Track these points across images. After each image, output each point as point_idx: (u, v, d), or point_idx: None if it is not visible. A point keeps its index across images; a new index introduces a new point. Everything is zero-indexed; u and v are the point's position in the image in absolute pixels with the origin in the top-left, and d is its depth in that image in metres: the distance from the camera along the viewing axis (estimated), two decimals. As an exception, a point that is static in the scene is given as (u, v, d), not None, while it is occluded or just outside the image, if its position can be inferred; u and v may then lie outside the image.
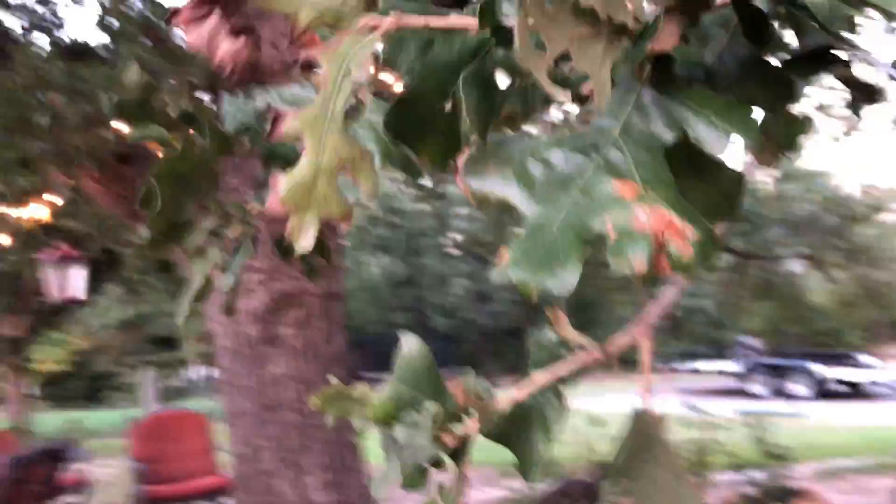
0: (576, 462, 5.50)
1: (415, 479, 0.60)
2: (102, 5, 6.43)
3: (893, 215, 22.02)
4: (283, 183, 0.47)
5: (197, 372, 21.11)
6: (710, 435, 4.86)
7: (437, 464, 0.60)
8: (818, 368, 16.26)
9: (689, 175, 0.45)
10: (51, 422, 15.05)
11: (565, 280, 0.42)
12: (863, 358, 17.42)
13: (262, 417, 4.02)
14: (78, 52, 6.11)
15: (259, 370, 4.00)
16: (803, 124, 0.52)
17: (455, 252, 27.49)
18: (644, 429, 0.51)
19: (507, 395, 0.55)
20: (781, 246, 16.52)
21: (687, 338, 26.81)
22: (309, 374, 4.02)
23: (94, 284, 6.28)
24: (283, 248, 1.10)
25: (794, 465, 4.43)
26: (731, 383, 17.94)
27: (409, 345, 0.57)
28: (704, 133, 0.44)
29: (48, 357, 19.53)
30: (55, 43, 6.37)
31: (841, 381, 16.36)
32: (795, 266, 18.08)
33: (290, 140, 0.64)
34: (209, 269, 0.97)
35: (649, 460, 0.50)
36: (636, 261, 0.41)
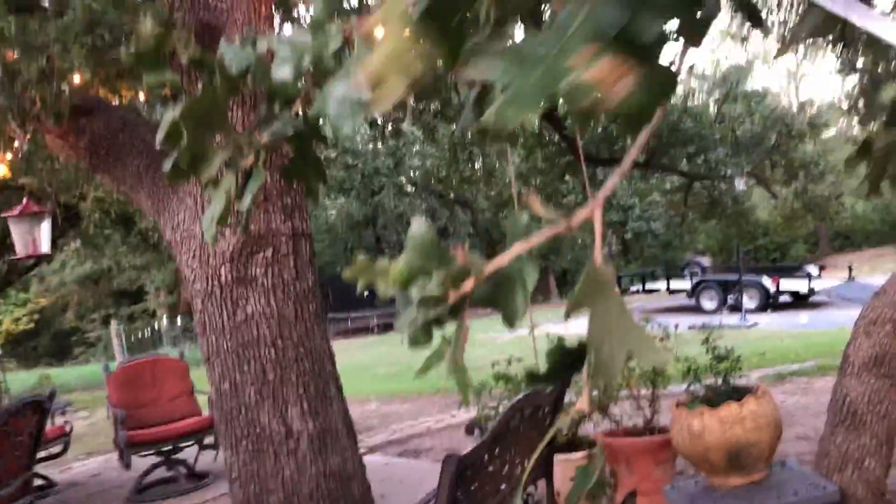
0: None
1: (421, 336, 0.80)
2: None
3: (830, 130, 22.65)
4: (372, 58, 0.63)
5: (165, 322, 21.12)
6: (663, 344, 5.15)
7: (439, 321, 0.80)
8: (765, 280, 16.89)
9: (642, 66, 0.64)
10: (24, 380, 15.02)
11: (535, 107, 0.61)
12: (806, 268, 18.14)
13: (239, 355, 4.08)
14: (23, 7, 6.01)
15: (233, 310, 4.07)
16: (708, 22, 0.71)
17: (412, 190, 27.54)
18: (596, 275, 0.71)
19: (493, 263, 0.74)
20: (725, 165, 16.97)
21: (638, 260, 27.51)
22: (282, 310, 4.14)
23: (53, 241, 6.26)
24: (288, 174, 1.26)
25: (743, 372, 4.76)
26: (683, 300, 18.54)
27: (418, 225, 0.76)
28: (642, 22, 0.63)
29: (7, 318, 19.30)
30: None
31: (785, 292, 17.05)
32: (739, 184, 18.59)
33: (372, 30, 0.80)
34: (227, 195, 1.13)
35: (600, 298, 0.71)
36: (584, 100, 0.61)
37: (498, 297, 0.77)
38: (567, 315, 0.72)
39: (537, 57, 0.63)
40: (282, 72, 1.01)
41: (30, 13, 6.04)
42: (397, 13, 0.63)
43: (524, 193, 0.78)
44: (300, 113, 1.10)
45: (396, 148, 26.06)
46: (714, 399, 4.10)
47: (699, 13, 0.77)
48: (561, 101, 0.62)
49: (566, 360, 0.77)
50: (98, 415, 12.17)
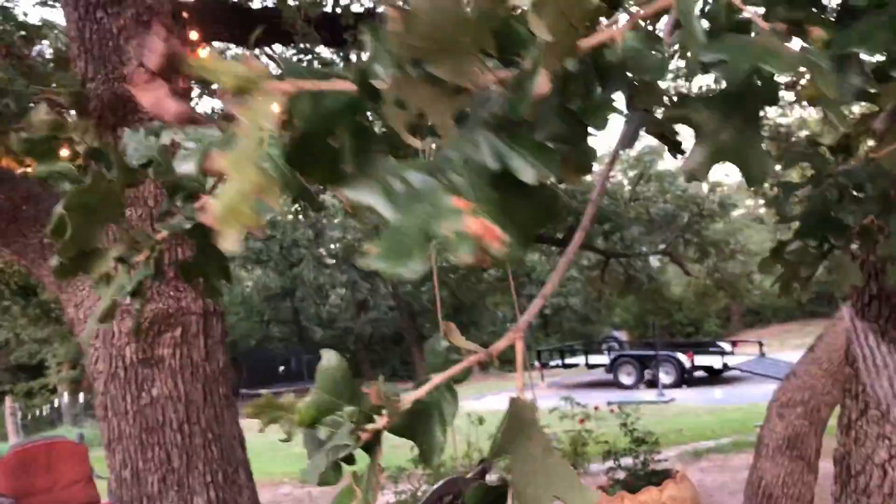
0: (460, 460, 5.71)
1: (331, 475, 0.73)
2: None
3: (739, 210, 23.72)
4: (214, 205, 0.59)
5: (66, 399, 20.01)
6: (584, 425, 5.15)
7: (349, 460, 0.73)
8: (680, 356, 17.26)
9: (517, 194, 0.61)
10: None
11: (415, 269, 0.57)
12: (720, 344, 18.66)
13: (142, 440, 3.93)
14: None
15: (137, 392, 3.91)
16: (590, 155, 0.70)
17: (331, 262, 27.32)
18: (519, 413, 0.66)
19: (410, 395, 0.68)
20: (640, 243, 17.48)
21: (557, 334, 27.83)
22: (190, 393, 3.98)
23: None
24: (186, 271, 1.18)
25: (661, 449, 4.78)
26: (601, 375, 18.75)
27: (329, 358, 0.69)
28: (518, 165, 0.61)
29: None
30: None
31: (701, 367, 17.45)
32: (654, 261, 19.15)
33: (216, 173, 0.76)
34: (116, 294, 1.04)
35: (523, 438, 0.66)
36: (464, 255, 0.57)
37: (415, 429, 0.71)
38: (488, 463, 0.67)
39: (418, 193, 0.60)
40: (185, 166, 0.94)
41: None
42: (246, 159, 0.60)
43: (444, 324, 0.73)
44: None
45: (317, 219, 25.94)
46: (634, 484, 4.08)
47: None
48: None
49: (489, 500, 0.70)
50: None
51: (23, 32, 6.00)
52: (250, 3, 7.57)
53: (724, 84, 0.65)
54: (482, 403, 16.93)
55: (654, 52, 0.64)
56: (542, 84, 0.57)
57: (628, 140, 0.82)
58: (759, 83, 0.64)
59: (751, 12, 0.65)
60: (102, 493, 6.61)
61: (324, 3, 7.19)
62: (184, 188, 1.07)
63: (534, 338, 28.23)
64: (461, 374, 0.69)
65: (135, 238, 1.04)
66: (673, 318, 27.73)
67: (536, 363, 19.74)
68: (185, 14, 5.56)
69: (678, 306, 27.51)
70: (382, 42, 0.59)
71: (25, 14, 6.27)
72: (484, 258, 0.56)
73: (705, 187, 19.33)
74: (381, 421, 0.67)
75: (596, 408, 5.35)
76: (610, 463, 4.48)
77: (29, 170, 5.04)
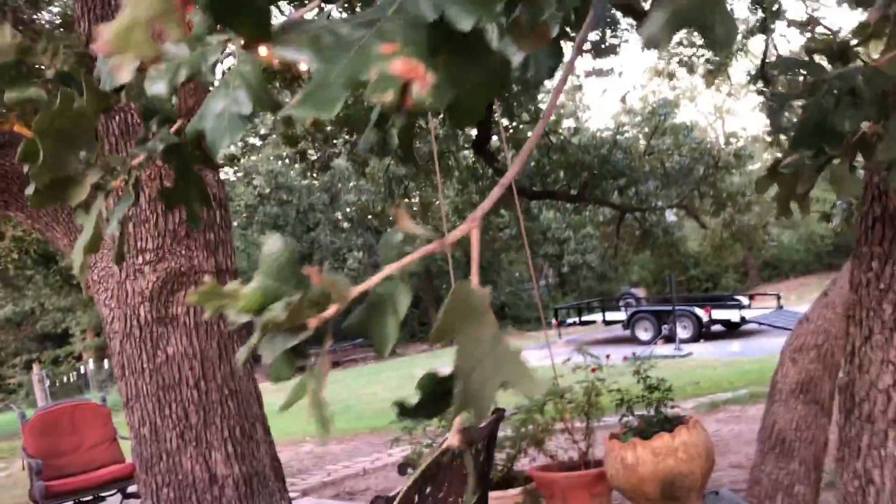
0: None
1: (283, 368, 0.71)
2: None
3: (755, 163, 23.44)
4: (107, 29, 0.56)
5: (91, 366, 20.32)
6: (596, 374, 5.15)
7: (299, 351, 0.71)
8: (697, 311, 17.18)
9: (461, 55, 0.59)
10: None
11: (332, 111, 0.56)
12: (737, 298, 18.56)
13: (160, 398, 3.97)
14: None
15: (153, 351, 3.95)
16: (543, 8, 0.66)
17: (347, 225, 27.37)
18: (466, 297, 0.63)
19: (360, 285, 0.67)
20: (656, 197, 17.29)
21: (574, 293, 27.81)
22: (205, 350, 4.01)
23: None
24: (167, 198, 1.16)
25: (676, 399, 4.78)
26: (619, 332, 18.74)
27: (273, 242, 0.68)
28: (454, 12, 0.58)
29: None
30: None
31: (718, 321, 17.38)
32: (670, 216, 18.97)
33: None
34: (96, 220, 1.03)
35: (471, 323, 0.63)
36: (385, 95, 0.55)
37: (368, 322, 0.69)
38: (432, 342, 0.65)
39: (347, 43, 0.57)
40: (156, 87, 0.92)
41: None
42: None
43: (395, 207, 0.71)
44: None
45: (331, 184, 25.90)
46: (646, 431, 4.08)
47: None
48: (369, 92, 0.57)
49: (439, 390, 0.69)
50: (16, 466, 11.57)
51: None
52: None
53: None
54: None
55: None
56: None
57: (594, 23, 0.78)
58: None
59: None
60: (126, 455, 6.73)
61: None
62: (157, 111, 1.05)
63: (550, 296, 28.23)
64: (415, 265, 0.67)
65: (110, 164, 1.03)
66: (690, 274, 27.60)
67: (553, 321, 19.75)
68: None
69: (695, 261, 27.36)
70: None
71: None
72: (408, 100, 0.54)
73: (721, 139, 19.05)
74: (329, 310, 0.65)
75: (608, 356, 5.34)
76: (623, 412, 4.49)
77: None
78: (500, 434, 3.75)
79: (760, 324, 16.60)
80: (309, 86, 0.56)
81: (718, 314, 17.26)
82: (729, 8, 0.62)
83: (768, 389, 4.21)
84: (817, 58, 1.20)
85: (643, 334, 17.86)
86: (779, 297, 18.21)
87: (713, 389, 10.63)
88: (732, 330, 17.52)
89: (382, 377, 16.94)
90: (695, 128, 20.72)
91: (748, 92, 18.09)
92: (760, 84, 11.36)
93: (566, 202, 16.57)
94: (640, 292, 22.30)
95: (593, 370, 4.93)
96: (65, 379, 20.28)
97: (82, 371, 20.23)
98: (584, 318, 20.08)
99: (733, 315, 17.25)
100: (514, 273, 27.80)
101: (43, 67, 1.15)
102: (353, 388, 15.75)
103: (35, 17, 6.00)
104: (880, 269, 1.53)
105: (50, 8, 7.03)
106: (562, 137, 13.94)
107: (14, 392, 20.43)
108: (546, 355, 9.65)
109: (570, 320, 20.40)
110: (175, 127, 1.04)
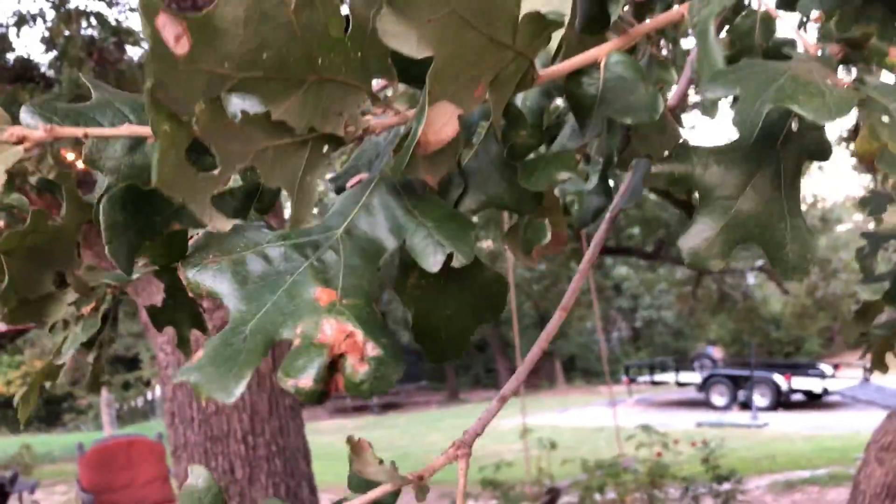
0: (528, 485, 5.50)
1: None
2: (49, 28, 6.34)
3: (844, 225, 22.45)
4: None
5: (158, 392, 20.74)
6: (664, 453, 4.87)
7: None
8: (777, 378, 16.44)
9: (448, 277, 0.44)
10: (5, 446, 14.68)
11: (232, 393, 0.42)
12: (820, 367, 17.67)
13: (206, 448, 3.95)
14: (21, 76, 6.02)
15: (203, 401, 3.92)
16: (541, 232, 0.52)
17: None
18: None
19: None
20: (734, 259, 16.70)
21: (648, 348, 27.06)
22: (256, 403, 3.96)
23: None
24: (154, 317, 1.06)
25: (750, 478, 4.46)
26: (692, 394, 18.06)
27: (197, 476, 0.55)
28: (420, 244, 0.44)
29: (2, 380, 19.05)
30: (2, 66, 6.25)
31: (799, 391, 16.58)
32: (750, 278, 18.29)
33: None
34: (75, 346, 0.93)
35: None
36: (302, 379, 0.41)
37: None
38: None
39: (276, 276, 0.44)
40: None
41: (31, 82, 6.05)
42: None
43: (353, 441, 0.57)
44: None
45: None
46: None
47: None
48: None
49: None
50: (76, 489, 11.79)
51: (115, 38, 6.16)
52: None
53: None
54: (564, 417, 16.59)
55: (643, 86, 0.45)
56: (430, 130, 0.40)
57: (629, 195, 0.64)
58: (796, 130, 0.45)
59: (791, 29, 0.46)
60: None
61: None
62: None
63: (623, 350, 27.53)
64: (388, 498, 0.53)
65: (87, 284, 0.93)
66: (769, 337, 26.52)
67: (624, 378, 19.20)
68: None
69: (776, 324, 26.29)
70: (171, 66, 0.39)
71: (118, 21, 6.44)
72: (338, 382, 0.40)
73: (808, 198, 18.35)
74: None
75: (676, 442, 5.03)
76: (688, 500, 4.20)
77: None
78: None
79: (845, 396, 15.74)
80: (218, 339, 0.43)
81: (799, 383, 16.46)
82: (802, 222, 0.45)
83: (852, 471, 3.87)
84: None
85: (718, 399, 17.15)
86: (866, 369, 17.23)
87: (790, 466, 10.03)
88: (814, 400, 16.66)
89: (444, 424, 16.70)
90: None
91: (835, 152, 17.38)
92: (852, 145, 10.91)
93: (641, 259, 16.17)
94: (717, 352, 21.50)
95: (658, 454, 4.64)
96: (132, 404, 20.71)
97: (149, 397, 20.62)
98: (655, 378, 19.45)
99: (815, 385, 16.43)
100: (585, 324, 27.28)
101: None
102: (414, 434, 15.55)
103: (120, 58, 6.17)
104: None
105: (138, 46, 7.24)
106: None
107: (83, 413, 20.97)
108: (614, 414, 9.30)
109: (641, 378, 19.80)
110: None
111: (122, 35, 6.21)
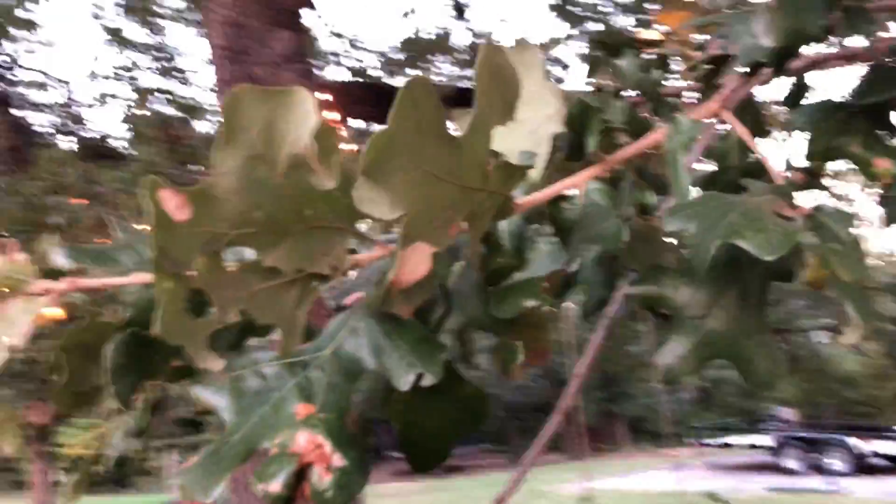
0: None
1: None
2: (127, 108, 6.70)
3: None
4: None
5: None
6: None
7: None
8: (855, 441, 15.68)
9: (429, 393, 0.48)
10: (73, 510, 14.95)
11: (210, 493, 0.46)
12: (900, 429, 16.82)
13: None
14: (98, 153, 6.34)
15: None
16: (513, 355, 0.56)
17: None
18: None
19: None
20: (804, 318, 16.20)
21: (717, 409, 26.17)
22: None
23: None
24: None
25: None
26: (764, 458, 17.35)
27: None
28: (394, 364, 0.48)
29: (76, 442, 19.52)
30: (79, 144, 6.60)
31: (880, 455, 15.75)
32: (821, 337, 17.66)
33: None
34: (123, 437, 0.99)
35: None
36: (272, 484, 0.45)
37: None
38: None
39: (266, 391, 0.48)
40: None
41: (106, 158, 6.37)
42: None
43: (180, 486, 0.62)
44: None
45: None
46: None
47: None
48: None
49: None
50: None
51: (182, 114, 6.47)
52: (392, 82, 7.80)
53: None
54: (628, 482, 16.03)
55: (613, 215, 0.50)
56: (404, 271, 0.45)
57: (620, 307, 0.67)
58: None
59: (761, 154, 0.50)
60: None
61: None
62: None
63: (690, 412, 26.67)
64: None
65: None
66: (842, 398, 25.39)
67: (692, 441, 18.57)
68: (326, 94, 5.77)
69: (850, 386, 25.18)
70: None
71: (191, 99, 6.76)
72: (306, 491, 0.45)
73: (879, 260, 17.69)
74: None
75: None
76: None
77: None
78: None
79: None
80: (210, 449, 0.48)
81: (878, 446, 15.64)
82: (769, 338, 0.48)
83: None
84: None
85: (791, 462, 16.45)
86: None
87: (872, 536, 9.51)
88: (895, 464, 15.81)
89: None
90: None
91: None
92: None
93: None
94: (789, 414, 20.67)
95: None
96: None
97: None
98: (725, 440, 18.77)
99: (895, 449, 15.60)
100: (650, 383, 26.61)
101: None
102: (474, 499, 15.28)
103: (190, 135, 6.46)
104: None
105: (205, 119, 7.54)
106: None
107: (147, 474, 21.26)
108: (681, 478, 8.94)
109: (710, 441, 19.12)
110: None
111: (190, 111, 6.52)
